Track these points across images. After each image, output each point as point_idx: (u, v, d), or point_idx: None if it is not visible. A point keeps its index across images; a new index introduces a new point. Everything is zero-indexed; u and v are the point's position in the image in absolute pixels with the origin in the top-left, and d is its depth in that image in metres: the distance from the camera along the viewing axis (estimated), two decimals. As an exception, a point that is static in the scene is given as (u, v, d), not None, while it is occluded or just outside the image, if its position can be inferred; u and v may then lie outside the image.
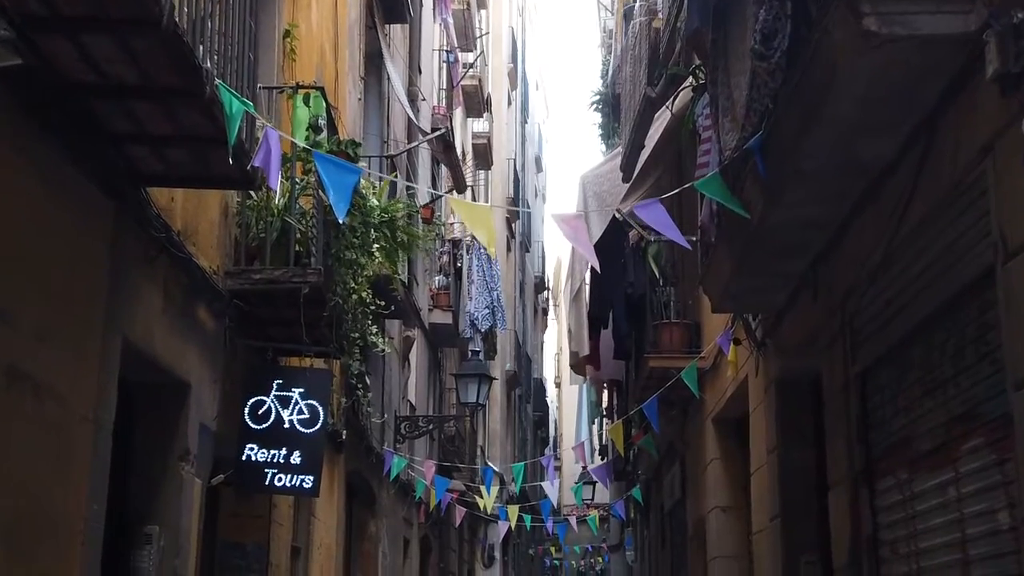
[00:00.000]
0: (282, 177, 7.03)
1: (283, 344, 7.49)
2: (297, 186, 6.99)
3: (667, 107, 9.54)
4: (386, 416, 12.78)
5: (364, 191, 7.54)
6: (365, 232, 7.52)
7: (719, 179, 5.65)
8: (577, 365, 15.99)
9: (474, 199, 25.34)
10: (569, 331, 15.17)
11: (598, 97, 19.34)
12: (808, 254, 6.45)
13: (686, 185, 6.06)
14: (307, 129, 6.62)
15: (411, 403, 16.97)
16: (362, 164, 9.24)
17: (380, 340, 8.55)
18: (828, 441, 6.46)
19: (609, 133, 18.65)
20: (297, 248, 6.99)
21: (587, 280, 13.43)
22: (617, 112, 15.67)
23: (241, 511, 8.06)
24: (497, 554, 27.94)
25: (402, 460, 13.90)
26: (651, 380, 11.03)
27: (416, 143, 12.55)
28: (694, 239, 10.86)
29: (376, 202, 7.86)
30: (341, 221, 6.13)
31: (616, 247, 12.66)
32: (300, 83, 7.27)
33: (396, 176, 11.16)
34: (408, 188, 11.86)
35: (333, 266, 7.20)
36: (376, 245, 7.76)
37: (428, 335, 18.50)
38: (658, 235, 12.63)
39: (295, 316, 6.90)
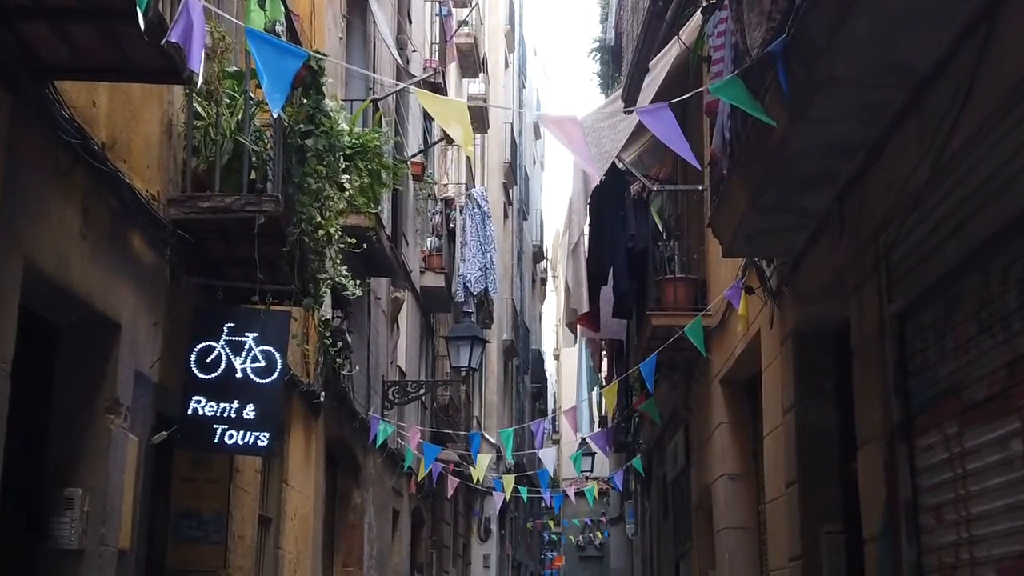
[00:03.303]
0: (235, 92, 6.19)
1: (236, 283, 6.61)
2: (252, 102, 6.13)
3: (676, 36, 8.88)
4: (358, 368, 11.98)
5: (333, 113, 6.67)
6: (333, 160, 6.65)
7: (739, 82, 4.87)
8: (573, 323, 15.27)
9: (469, 161, 24.58)
10: (567, 287, 14.41)
11: (597, 44, 18.52)
12: (834, 185, 5.93)
13: (699, 90, 5.25)
14: (262, 36, 5.74)
15: (401, 368, 16.27)
16: (342, 105, 8.42)
17: (351, 283, 7.70)
18: (857, 395, 5.81)
19: (609, 83, 17.87)
20: (252, 175, 6.15)
21: (586, 233, 12.67)
22: (618, 59, 14.97)
23: (197, 475, 7.23)
24: (494, 527, 27.33)
25: (388, 427, 13.15)
26: (654, 339, 10.46)
27: (401, 85, 11.72)
28: (700, 188, 10.19)
29: (346, 127, 6.99)
30: (276, 115, 5.29)
31: (617, 199, 11.99)
32: (254, -19, 6.39)
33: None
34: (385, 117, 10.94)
35: (294, 196, 6.34)
36: (347, 176, 6.89)
37: (419, 299, 17.78)
38: (662, 185, 12.02)
39: (250, 253, 6.05)
